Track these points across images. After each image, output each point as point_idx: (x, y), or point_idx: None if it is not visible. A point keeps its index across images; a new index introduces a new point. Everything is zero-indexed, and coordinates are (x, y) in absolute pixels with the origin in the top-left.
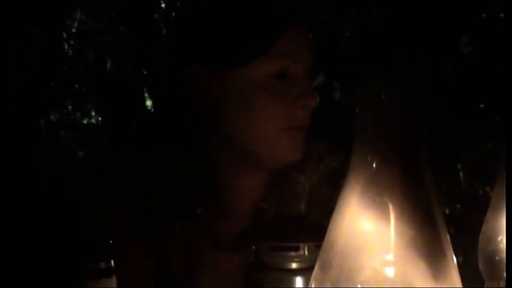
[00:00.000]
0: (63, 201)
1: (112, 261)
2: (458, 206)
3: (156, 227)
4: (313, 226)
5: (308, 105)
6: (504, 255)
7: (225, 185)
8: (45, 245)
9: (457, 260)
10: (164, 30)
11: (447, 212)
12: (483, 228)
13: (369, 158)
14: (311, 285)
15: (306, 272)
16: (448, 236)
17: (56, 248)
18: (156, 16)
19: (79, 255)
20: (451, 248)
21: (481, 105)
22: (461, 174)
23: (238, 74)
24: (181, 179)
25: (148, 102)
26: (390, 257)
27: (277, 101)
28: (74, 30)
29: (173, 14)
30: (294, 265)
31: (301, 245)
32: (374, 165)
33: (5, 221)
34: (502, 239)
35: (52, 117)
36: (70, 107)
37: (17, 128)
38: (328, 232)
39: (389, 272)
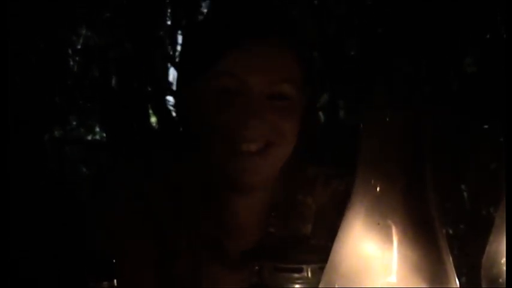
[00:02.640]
0: (65, 212)
1: (115, 281)
2: (462, 226)
3: (157, 231)
4: (318, 248)
5: (251, 125)
6: None
7: (224, 201)
8: (47, 257)
9: (460, 281)
10: (169, 47)
11: (451, 232)
12: (486, 250)
13: (372, 181)
14: None
15: None
16: (450, 258)
17: (57, 260)
18: (162, 33)
19: (81, 273)
20: (454, 271)
21: (485, 126)
22: (465, 194)
23: (195, 88)
24: (182, 190)
25: (153, 119)
26: (393, 279)
27: (224, 117)
28: (79, 46)
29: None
30: (296, 287)
31: (305, 266)
32: (378, 188)
33: (6, 231)
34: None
35: (56, 133)
36: (74, 123)
37: (21, 143)
38: (331, 254)
39: None
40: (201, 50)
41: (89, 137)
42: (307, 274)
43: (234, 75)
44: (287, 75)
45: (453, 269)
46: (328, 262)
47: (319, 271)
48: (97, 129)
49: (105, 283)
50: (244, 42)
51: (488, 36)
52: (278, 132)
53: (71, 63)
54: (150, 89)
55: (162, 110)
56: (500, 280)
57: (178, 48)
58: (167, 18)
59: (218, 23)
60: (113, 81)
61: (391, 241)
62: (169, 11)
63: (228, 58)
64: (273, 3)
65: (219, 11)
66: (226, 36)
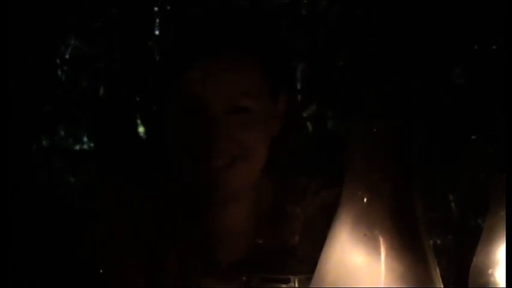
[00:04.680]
0: (53, 221)
1: None
2: (449, 236)
3: (146, 241)
4: (306, 258)
5: (213, 141)
6: None
7: (210, 213)
8: (36, 267)
9: None
10: (158, 57)
11: (439, 242)
12: (474, 261)
13: (359, 192)
14: None
15: None
16: (437, 269)
17: (45, 270)
18: (150, 43)
19: (69, 283)
20: (441, 281)
21: (473, 137)
22: (453, 205)
23: (165, 100)
24: (170, 200)
25: (141, 129)
26: None
27: (186, 132)
28: (67, 56)
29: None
30: None
31: (292, 277)
32: (365, 199)
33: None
34: (493, 272)
35: (44, 142)
36: (62, 133)
37: (9, 153)
38: (318, 265)
39: None
40: (165, 67)
41: (77, 147)
42: (295, 284)
43: (193, 93)
44: (246, 88)
45: (440, 279)
46: (315, 273)
47: (307, 282)
48: (85, 139)
49: None
50: (200, 60)
51: (476, 47)
52: (242, 147)
53: (59, 73)
54: (138, 99)
55: (150, 120)
56: None
57: None
58: (156, 28)
59: (180, 41)
60: (101, 91)
61: (378, 252)
62: (157, 21)
63: (187, 75)
64: (235, 18)
65: (181, 29)
66: (185, 55)
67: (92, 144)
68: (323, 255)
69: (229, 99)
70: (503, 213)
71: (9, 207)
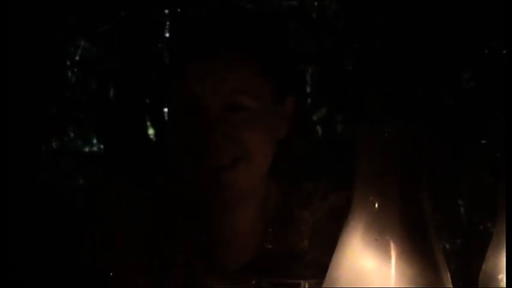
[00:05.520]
0: (61, 223)
1: None
2: (458, 240)
3: (152, 242)
4: (315, 263)
5: (211, 140)
6: None
7: (213, 214)
8: (42, 269)
9: None
10: (167, 59)
11: (448, 247)
12: (483, 266)
13: (371, 197)
14: None
15: None
16: (448, 274)
17: (52, 272)
18: (160, 45)
19: (70, 282)
20: (451, 286)
21: (483, 141)
22: (462, 209)
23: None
24: (176, 201)
25: (151, 131)
26: None
27: (186, 133)
28: (77, 57)
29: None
30: None
31: (302, 282)
32: (376, 204)
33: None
34: (503, 277)
35: (54, 144)
36: (72, 134)
37: (18, 154)
38: (329, 270)
39: None
40: (167, 68)
41: (86, 149)
42: None
43: (193, 93)
44: (246, 87)
45: (450, 284)
46: (326, 277)
47: (317, 286)
48: (94, 141)
49: None
50: (200, 60)
51: (486, 51)
52: (243, 146)
53: (69, 74)
54: (147, 101)
55: (159, 122)
56: None
57: None
58: (165, 30)
59: (180, 40)
60: (111, 93)
61: (389, 257)
62: (167, 23)
63: (186, 75)
64: (235, 18)
65: (182, 29)
66: (185, 55)
67: (102, 146)
68: (334, 260)
69: (228, 98)
70: None
71: (11, 208)
